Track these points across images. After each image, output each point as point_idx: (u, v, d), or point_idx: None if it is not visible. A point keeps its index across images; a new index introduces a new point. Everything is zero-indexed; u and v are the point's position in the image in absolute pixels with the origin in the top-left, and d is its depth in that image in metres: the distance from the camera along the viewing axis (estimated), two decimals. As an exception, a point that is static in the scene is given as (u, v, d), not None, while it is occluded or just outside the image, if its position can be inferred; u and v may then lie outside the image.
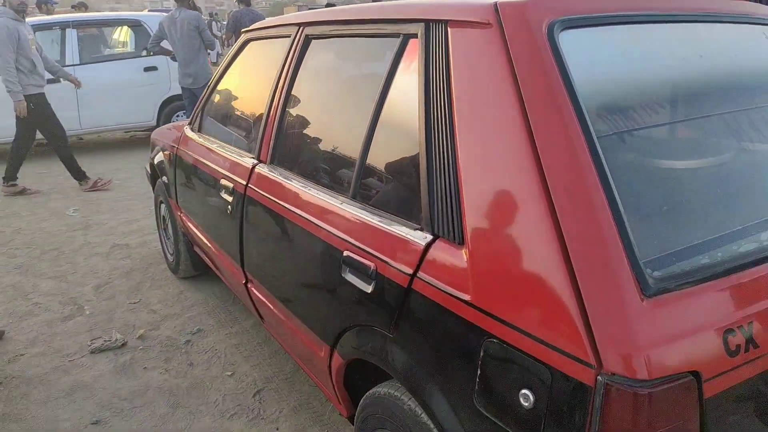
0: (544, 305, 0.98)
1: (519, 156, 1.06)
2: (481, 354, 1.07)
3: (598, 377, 0.89)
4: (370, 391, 1.52)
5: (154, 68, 6.87)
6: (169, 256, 3.49)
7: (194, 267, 3.27)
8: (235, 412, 2.26)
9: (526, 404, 1.00)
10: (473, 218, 1.13)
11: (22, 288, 3.41)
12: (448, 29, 1.29)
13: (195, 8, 5.89)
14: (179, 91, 6.23)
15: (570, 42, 1.16)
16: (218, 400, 2.34)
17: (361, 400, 1.56)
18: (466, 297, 1.11)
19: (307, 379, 2.39)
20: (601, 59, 1.23)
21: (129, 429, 2.18)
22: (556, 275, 0.96)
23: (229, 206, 2.17)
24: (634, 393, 0.87)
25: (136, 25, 7.10)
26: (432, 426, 1.25)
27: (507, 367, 1.03)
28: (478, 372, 1.08)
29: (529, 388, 0.99)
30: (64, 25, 6.64)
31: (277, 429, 2.16)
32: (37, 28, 6.73)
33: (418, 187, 1.29)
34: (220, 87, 2.64)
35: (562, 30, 1.16)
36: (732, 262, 1.02)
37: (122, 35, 7.39)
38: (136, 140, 7.80)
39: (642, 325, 0.90)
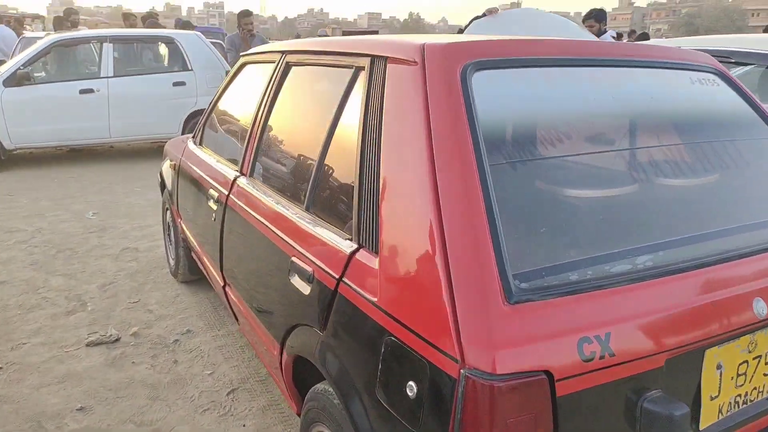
0: (428, 307, 1.12)
1: (422, 179, 1.21)
2: (382, 350, 1.22)
3: (461, 370, 1.03)
4: (313, 387, 1.66)
5: (182, 83, 7.21)
6: (170, 260, 3.70)
7: (191, 271, 3.47)
8: (207, 408, 2.42)
9: (411, 394, 1.13)
10: (387, 232, 1.29)
11: (34, 283, 3.65)
12: (387, 64, 1.47)
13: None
14: (205, 106, 6.56)
15: (481, 81, 1.31)
16: (195, 395, 2.50)
17: (306, 396, 1.71)
18: (374, 299, 1.26)
19: (279, 381, 2.54)
20: (509, 97, 1.38)
21: (109, 416, 2.36)
22: (438, 282, 1.11)
23: (214, 214, 2.36)
24: (487, 385, 1.00)
25: (169, 42, 7.44)
26: (347, 416, 1.39)
27: (399, 361, 1.17)
28: (380, 366, 1.23)
29: (414, 380, 1.13)
30: (101, 39, 7.03)
31: (244, 425, 2.31)
32: (76, 41, 7.18)
33: (351, 201, 1.45)
34: (219, 103, 2.87)
35: (476, 71, 1.32)
36: (600, 280, 1.15)
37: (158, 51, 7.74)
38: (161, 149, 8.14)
39: (501, 328, 1.04)
